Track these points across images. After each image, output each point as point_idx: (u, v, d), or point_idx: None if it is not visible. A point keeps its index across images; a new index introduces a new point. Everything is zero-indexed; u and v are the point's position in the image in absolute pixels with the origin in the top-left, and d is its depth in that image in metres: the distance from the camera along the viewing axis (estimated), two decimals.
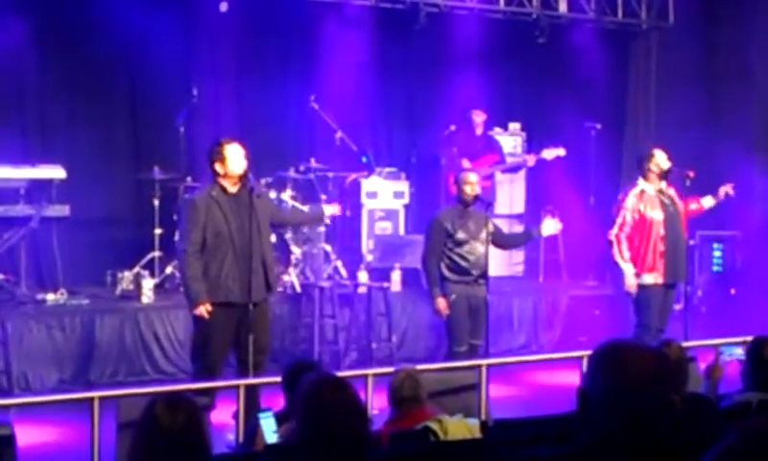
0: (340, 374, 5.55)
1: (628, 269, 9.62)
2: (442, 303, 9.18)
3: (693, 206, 10.05)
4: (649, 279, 9.66)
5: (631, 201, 9.68)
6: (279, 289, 11.05)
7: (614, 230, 9.68)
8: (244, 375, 7.84)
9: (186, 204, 8.37)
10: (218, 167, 7.99)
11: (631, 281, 9.62)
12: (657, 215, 9.64)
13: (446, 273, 9.28)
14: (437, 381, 7.11)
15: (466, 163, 12.35)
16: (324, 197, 11.92)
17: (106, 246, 12.00)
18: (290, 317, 10.89)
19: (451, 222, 9.32)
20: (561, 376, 9.72)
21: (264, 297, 8.06)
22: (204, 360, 8.05)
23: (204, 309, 7.85)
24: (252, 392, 7.43)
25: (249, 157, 8.13)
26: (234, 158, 7.97)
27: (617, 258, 9.68)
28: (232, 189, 8.01)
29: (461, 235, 9.27)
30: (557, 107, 14.04)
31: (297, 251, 11.39)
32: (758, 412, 5.48)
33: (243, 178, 8.00)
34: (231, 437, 7.33)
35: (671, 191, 9.84)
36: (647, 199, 9.66)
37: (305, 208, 10.76)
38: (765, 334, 6.20)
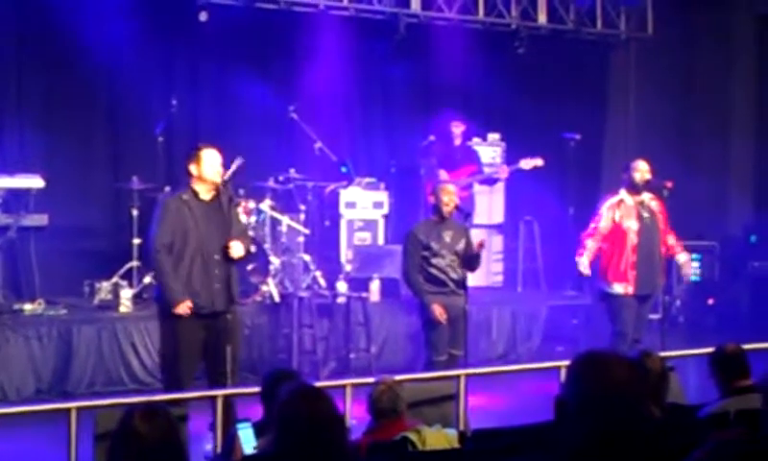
0: (318, 384, 5.53)
1: (581, 263, 9.74)
2: (437, 308, 9.18)
3: (671, 240, 10.06)
4: (619, 288, 9.71)
5: (606, 207, 9.76)
6: (258, 299, 11.06)
7: (584, 233, 9.78)
8: (214, 385, 7.79)
9: (158, 205, 8.30)
10: (192, 169, 7.93)
11: (583, 269, 9.76)
12: (632, 225, 9.68)
13: (424, 285, 9.29)
14: (415, 391, 7.09)
15: (443, 174, 12.36)
16: (302, 207, 11.92)
17: (84, 256, 11.94)
18: (268, 327, 10.87)
19: (426, 234, 9.33)
20: (539, 386, 9.71)
21: (228, 308, 7.99)
22: (173, 371, 7.98)
23: (185, 306, 7.81)
24: (227, 403, 7.39)
25: (225, 165, 8.10)
26: (209, 163, 7.91)
27: (577, 257, 9.75)
28: (206, 196, 7.96)
29: (436, 247, 9.28)
30: (536, 117, 14.07)
31: (276, 261, 11.38)
32: (736, 422, 5.51)
33: (220, 186, 7.96)
34: (209, 447, 7.30)
35: (654, 204, 9.86)
36: (624, 208, 9.71)
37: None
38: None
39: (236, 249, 7.89)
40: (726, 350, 6.23)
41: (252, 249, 9.16)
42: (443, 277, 9.28)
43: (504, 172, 12.92)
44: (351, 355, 10.87)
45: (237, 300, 8.17)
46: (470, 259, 9.46)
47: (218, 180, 7.93)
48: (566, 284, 13.42)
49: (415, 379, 7.77)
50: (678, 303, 13.48)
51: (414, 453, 5.41)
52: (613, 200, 9.79)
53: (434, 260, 9.29)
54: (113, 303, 10.80)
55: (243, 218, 10.56)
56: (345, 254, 12.50)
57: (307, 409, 3.83)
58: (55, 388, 9.88)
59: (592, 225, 9.81)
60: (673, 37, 14.31)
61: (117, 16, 11.53)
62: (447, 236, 9.35)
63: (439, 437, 5.61)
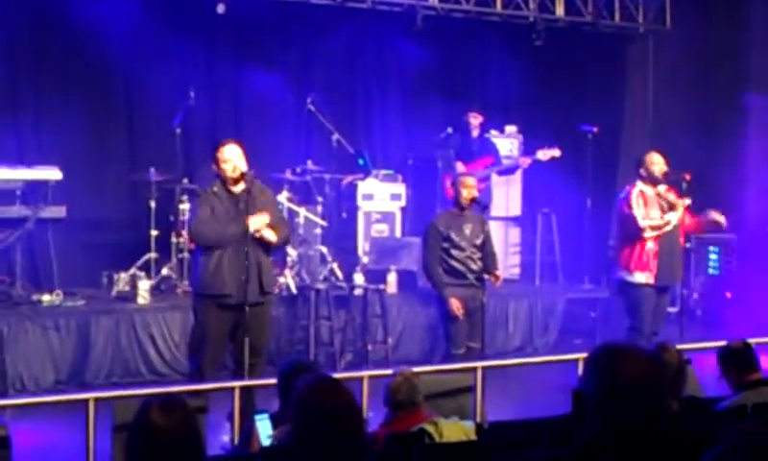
0: (335, 375, 5.54)
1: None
2: (455, 302, 9.19)
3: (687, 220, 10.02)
4: (641, 277, 9.68)
5: (635, 197, 9.68)
6: (275, 291, 11.06)
7: (641, 222, 9.63)
8: (239, 376, 7.84)
9: (195, 196, 8.54)
10: (215, 169, 8.09)
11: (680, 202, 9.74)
12: (655, 215, 9.66)
13: (444, 277, 9.29)
14: (433, 383, 7.10)
15: (460, 166, 12.35)
16: (320, 199, 11.92)
17: (102, 247, 11.98)
18: (286, 319, 10.88)
19: (447, 226, 9.34)
20: (557, 379, 9.70)
21: (258, 299, 8.04)
22: (200, 357, 8.06)
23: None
24: (247, 394, 7.42)
25: (246, 156, 8.13)
26: (227, 159, 8.00)
27: (665, 220, 9.66)
28: (234, 188, 8.05)
29: (456, 239, 9.29)
30: (554, 110, 14.04)
31: (293, 252, 11.40)
32: (754, 415, 5.51)
33: (243, 178, 8.01)
34: (226, 438, 7.32)
35: (671, 195, 9.84)
36: (647, 199, 9.69)
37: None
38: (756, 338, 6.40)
39: (256, 222, 7.92)
40: (732, 346, 6.31)
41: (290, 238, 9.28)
42: (462, 269, 9.29)
43: (525, 162, 12.88)
44: (368, 347, 10.87)
45: (269, 290, 8.22)
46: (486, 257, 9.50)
47: (237, 175, 7.99)
48: (584, 277, 13.40)
49: (432, 371, 7.78)
50: (696, 295, 13.44)
51: (431, 445, 5.41)
52: (636, 190, 9.74)
53: (454, 252, 9.29)
54: (131, 295, 10.83)
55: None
56: (362, 246, 12.51)
57: (325, 400, 3.84)
58: (73, 379, 9.91)
59: (639, 211, 9.64)
60: (691, 30, 14.23)
61: (135, 9, 11.56)
62: (467, 229, 9.36)
63: (456, 429, 5.61)
